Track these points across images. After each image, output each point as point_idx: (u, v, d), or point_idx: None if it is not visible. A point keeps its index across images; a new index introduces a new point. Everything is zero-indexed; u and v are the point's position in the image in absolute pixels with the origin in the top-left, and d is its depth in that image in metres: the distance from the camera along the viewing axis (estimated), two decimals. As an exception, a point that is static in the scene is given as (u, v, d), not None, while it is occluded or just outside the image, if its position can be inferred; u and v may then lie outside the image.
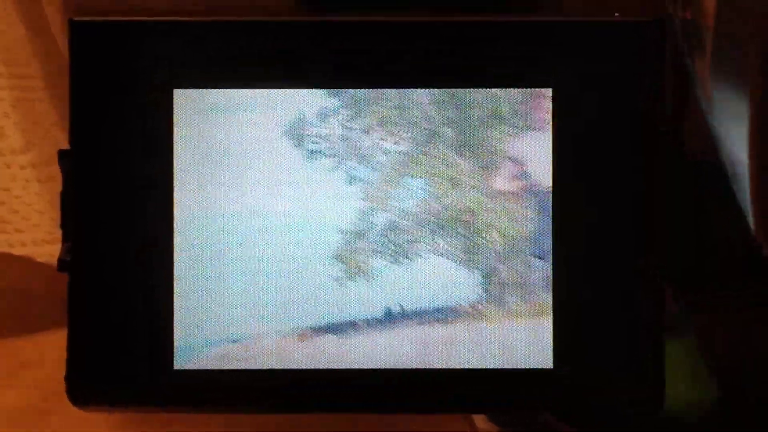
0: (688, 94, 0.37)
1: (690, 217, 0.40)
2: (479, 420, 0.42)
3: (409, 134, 0.37)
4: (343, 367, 0.37)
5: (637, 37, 0.37)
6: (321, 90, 0.37)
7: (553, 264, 0.37)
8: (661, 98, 0.37)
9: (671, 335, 0.39)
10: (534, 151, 0.37)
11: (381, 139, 0.37)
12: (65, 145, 0.37)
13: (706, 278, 0.41)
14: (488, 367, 0.37)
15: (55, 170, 0.38)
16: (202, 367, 0.37)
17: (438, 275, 0.37)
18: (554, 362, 0.37)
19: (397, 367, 0.37)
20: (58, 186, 0.38)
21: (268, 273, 0.37)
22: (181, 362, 0.37)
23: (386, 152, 0.37)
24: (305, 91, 0.37)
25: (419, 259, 0.37)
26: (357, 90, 0.37)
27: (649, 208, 0.37)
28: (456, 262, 0.37)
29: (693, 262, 0.41)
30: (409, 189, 0.37)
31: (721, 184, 0.35)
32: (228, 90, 0.37)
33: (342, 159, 0.37)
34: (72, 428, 0.43)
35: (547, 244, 0.37)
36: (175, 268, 0.37)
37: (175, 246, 0.37)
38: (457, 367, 0.37)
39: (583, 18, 0.37)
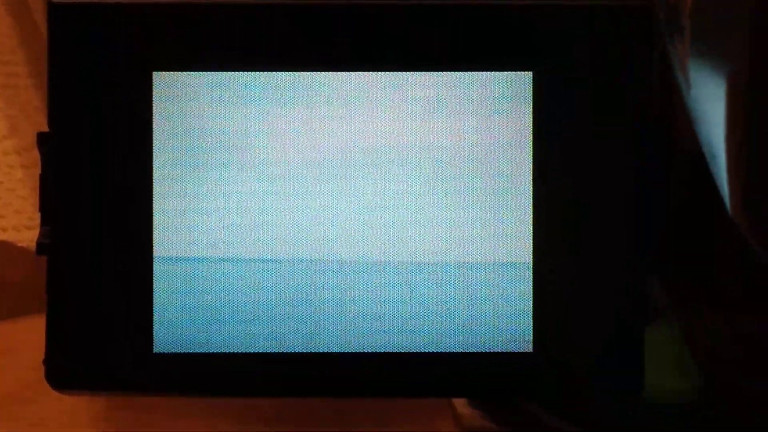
0: (671, 77, 0.37)
1: (677, 205, 0.40)
2: (460, 405, 0.42)
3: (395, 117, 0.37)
4: (324, 350, 0.37)
5: (621, 20, 0.37)
6: (304, 73, 0.37)
7: (533, 249, 0.37)
8: (647, 83, 0.37)
9: (657, 324, 0.39)
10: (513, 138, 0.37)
11: (362, 123, 0.37)
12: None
13: (692, 267, 0.41)
14: (467, 350, 0.37)
15: (39, 156, 0.37)
16: (182, 351, 0.37)
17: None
18: (534, 346, 0.37)
19: (377, 351, 0.37)
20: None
21: (250, 259, 0.37)
22: (160, 346, 0.37)
23: (367, 137, 0.37)
24: (288, 74, 0.37)
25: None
26: (338, 73, 0.37)
27: (633, 195, 0.37)
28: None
29: (680, 251, 0.41)
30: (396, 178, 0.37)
31: (707, 172, 0.35)
32: (208, 73, 0.37)
33: (326, 144, 0.37)
34: (51, 416, 0.43)
35: (528, 229, 0.37)
36: (154, 251, 0.37)
37: (154, 229, 0.37)
38: (435, 350, 0.37)
39: (564, 1, 0.37)
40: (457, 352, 0.37)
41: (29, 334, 0.44)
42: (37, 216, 0.38)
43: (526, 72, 0.37)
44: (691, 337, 0.42)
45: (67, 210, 0.37)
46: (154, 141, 0.37)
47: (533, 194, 0.37)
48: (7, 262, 0.44)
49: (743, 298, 0.41)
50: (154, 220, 0.37)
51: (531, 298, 0.37)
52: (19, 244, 0.44)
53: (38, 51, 0.45)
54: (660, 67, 0.37)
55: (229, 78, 0.37)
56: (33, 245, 0.37)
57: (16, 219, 0.44)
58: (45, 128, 0.37)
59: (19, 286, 0.44)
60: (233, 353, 0.37)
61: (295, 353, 0.37)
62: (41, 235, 0.37)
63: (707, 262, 0.41)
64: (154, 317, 0.37)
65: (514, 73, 0.37)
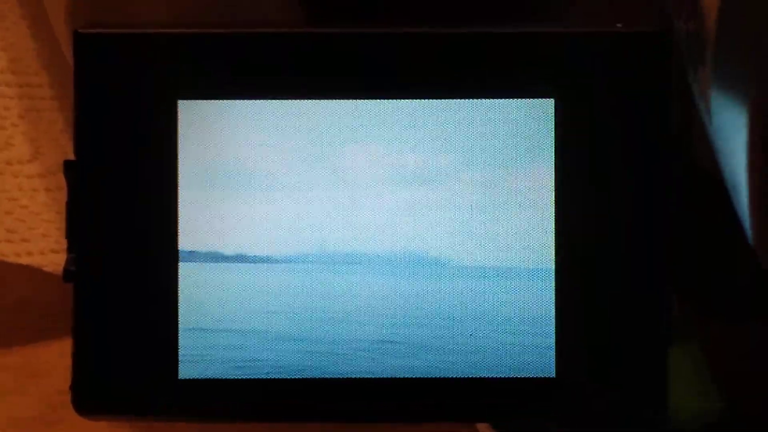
0: (691, 105, 0.37)
1: (695, 227, 0.40)
2: (483, 429, 0.42)
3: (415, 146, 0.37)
4: (349, 377, 0.37)
5: (641, 48, 0.37)
6: (329, 101, 0.37)
7: (555, 272, 0.37)
8: (665, 109, 0.37)
9: (676, 344, 0.39)
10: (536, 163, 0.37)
11: (387, 150, 0.37)
12: (73, 155, 0.38)
13: (711, 287, 0.41)
14: (490, 376, 0.37)
15: (63, 180, 0.38)
16: (207, 377, 0.37)
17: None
18: (557, 371, 0.37)
19: (399, 377, 0.37)
20: (65, 196, 0.38)
21: (274, 284, 0.37)
22: (185, 372, 0.37)
23: (392, 164, 0.37)
24: (313, 102, 0.37)
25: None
26: (362, 101, 0.37)
27: (653, 217, 0.37)
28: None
29: (699, 271, 0.41)
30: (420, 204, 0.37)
31: (724, 195, 0.35)
32: (233, 101, 0.37)
33: (350, 169, 0.37)
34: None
35: (550, 254, 0.37)
36: (179, 277, 0.37)
37: (179, 256, 0.37)
38: (459, 375, 0.37)
39: (585, 29, 0.37)
40: (481, 378, 0.37)
41: (55, 358, 0.44)
42: (63, 240, 0.38)
43: (548, 99, 0.37)
44: (712, 358, 0.42)
45: (93, 237, 0.37)
46: (180, 169, 0.37)
47: (555, 217, 0.37)
48: (33, 286, 0.45)
49: (763, 318, 0.42)
50: (179, 247, 0.37)
51: (553, 324, 0.37)
52: (45, 269, 0.44)
53: (62, 74, 0.45)
54: (681, 96, 0.37)
55: (254, 106, 0.37)
56: (59, 269, 0.38)
57: (42, 243, 0.44)
58: (69, 152, 0.38)
59: (45, 310, 0.44)
60: (258, 379, 0.37)
61: (319, 379, 0.37)
62: (68, 262, 0.37)
63: (727, 283, 0.41)
64: (180, 343, 0.37)
65: (536, 100, 0.37)
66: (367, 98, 0.37)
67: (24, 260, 0.44)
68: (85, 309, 0.37)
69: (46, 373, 0.44)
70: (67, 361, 0.37)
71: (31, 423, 0.44)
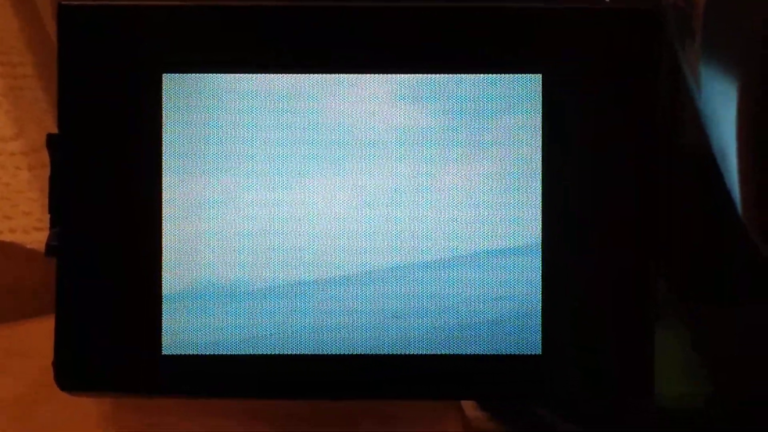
0: (680, 81, 0.37)
1: (684, 206, 0.40)
2: (469, 407, 0.42)
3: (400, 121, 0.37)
4: (333, 353, 0.37)
5: (629, 24, 0.37)
6: (315, 75, 0.37)
7: (542, 249, 0.37)
8: (653, 86, 0.37)
9: (664, 327, 0.39)
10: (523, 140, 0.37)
11: (373, 126, 0.37)
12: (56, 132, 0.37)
13: (700, 270, 0.41)
14: (476, 352, 0.37)
15: (46, 158, 0.38)
16: (191, 353, 0.37)
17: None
18: (543, 348, 0.37)
19: (386, 353, 0.37)
20: (48, 173, 0.38)
21: (257, 260, 0.37)
22: (169, 348, 0.37)
23: (378, 140, 0.37)
24: (299, 76, 0.37)
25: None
26: (350, 75, 0.37)
27: (641, 197, 0.37)
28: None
29: (685, 252, 0.41)
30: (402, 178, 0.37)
31: (712, 175, 0.35)
32: (218, 75, 0.37)
33: (335, 146, 0.37)
34: (61, 417, 0.43)
35: (536, 231, 0.37)
36: (163, 253, 0.37)
37: (163, 232, 0.37)
38: (444, 352, 0.37)
39: (574, 4, 0.37)
40: (467, 355, 0.37)
41: (39, 336, 0.44)
42: (46, 217, 0.38)
43: (536, 75, 0.37)
44: (698, 340, 0.42)
45: (76, 212, 0.37)
46: (164, 143, 0.37)
47: (542, 195, 0.37)
48: (16, 263, 0.44)
49: (751, 300, 0.42)
50: (163, 222, 0.37)
51: (540, 302, 0.37)
52: (28, 246, 0.44)
53: (46, 53, 0.45)
54: (669, 70, 0.37)
55: (239, 80, 0.37)
56: (42, 247, 0.37)
57: (24, 220, 0.44)
58: (52, 129, 0.37)
59: (29, 288, 0.44)
60: (241, 355, 0.37)
61: (303, 355, 0.37)
62: (51, 237, 0.37)
63: (715, 263, 0.41)
64: (163, 318, 0.37)
65: (523, 75, 0.37)
66: (355, 73, 0.37)
67: (6, 237, 0.44)
68: (68, 284, 0.37)
69: (31, 352, 0.44)
70: (49, 340, 0.37)
71: (16, 403, 0.43)
